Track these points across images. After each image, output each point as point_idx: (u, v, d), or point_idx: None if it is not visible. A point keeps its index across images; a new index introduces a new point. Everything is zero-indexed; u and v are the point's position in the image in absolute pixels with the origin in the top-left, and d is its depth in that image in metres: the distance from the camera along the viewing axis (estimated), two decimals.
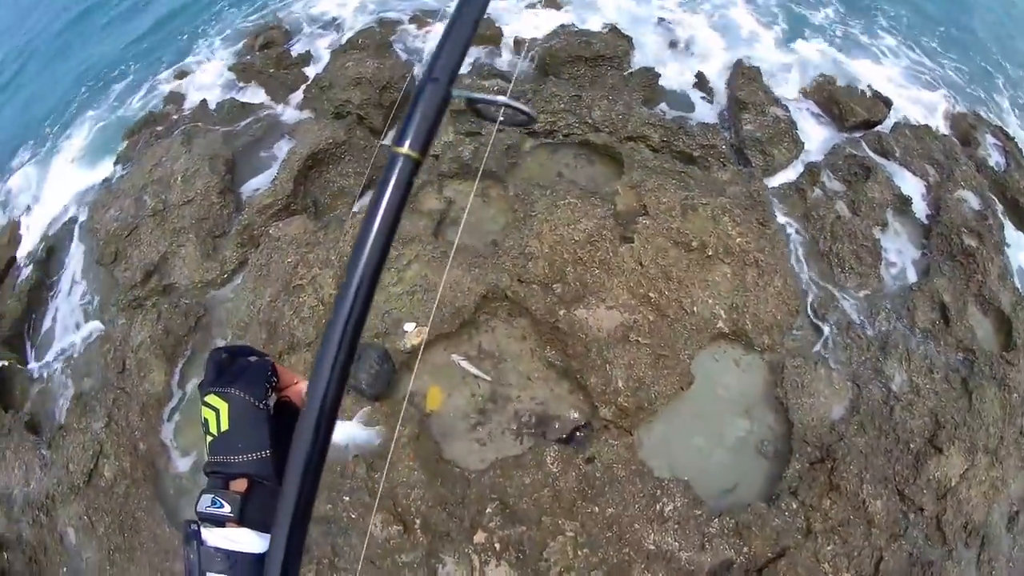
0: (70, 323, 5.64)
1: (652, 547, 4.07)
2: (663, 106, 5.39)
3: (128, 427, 4.67)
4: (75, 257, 5.95)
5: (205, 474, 1.02)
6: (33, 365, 5.52)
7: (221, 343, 4.80)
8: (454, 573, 4.05)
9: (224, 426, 1.01)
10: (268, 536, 0.99)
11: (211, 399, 1.01)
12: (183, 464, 4.70)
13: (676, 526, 4.12)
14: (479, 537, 4.06)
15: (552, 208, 4.42)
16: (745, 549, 4.11)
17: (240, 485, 1.00)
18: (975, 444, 4.62)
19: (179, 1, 7.69)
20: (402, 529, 4.06)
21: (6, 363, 5.59)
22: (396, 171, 0.72)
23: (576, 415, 4.21)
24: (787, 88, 5.84)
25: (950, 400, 4.82)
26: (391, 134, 5.27)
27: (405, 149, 0.71)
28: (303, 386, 1.11)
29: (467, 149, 4.71)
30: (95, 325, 5.44)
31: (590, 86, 5.17)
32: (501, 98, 0.75)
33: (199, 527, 0.99)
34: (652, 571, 3.98)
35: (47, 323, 5.73)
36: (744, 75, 5.56)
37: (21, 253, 6.19)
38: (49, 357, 5.51)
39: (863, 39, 6.86)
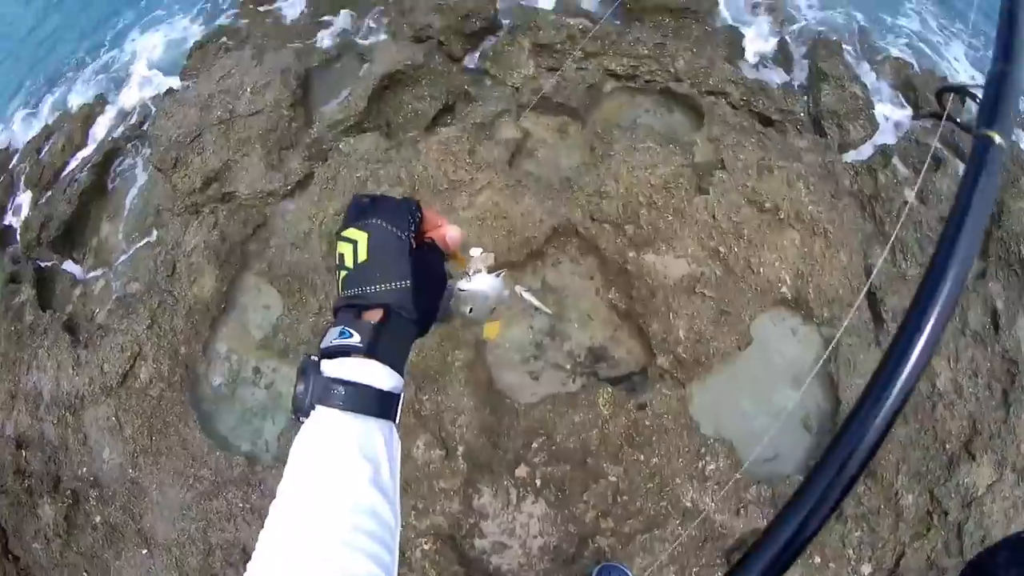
0: (121, 228, 5.62)
1: (689, 504, 4.06)
2: (745, 65, 5.32)
3: (171, 330, 4.63)
4: (134, 164, 5.94)
5: (333, 314, 0.99)
6: (79, 268, 5.51)
7: (275, 251, 4.77)
8: (489, 505, 4.04)
9: (363, 256, 0.96)
10: (398, 375, 0.95)
11: (349, 232, 0.98)
12: (224, 371, 4.68)
13: (716, 486, 4.11)
14: (521, 471, 4.06)
15: (631, 150, 4.37)
16: None
17: (375, 315, 0.95)
18: (1005, 459, 4.58)
19: None
20: (444, 454, 4.05)
21: (50, 264, 5.60)
22: (989, 161, 0.62)
23: (633, 360, 4.19)
24: (866, 66, 5.75)
25: (989, 409, 4.78)
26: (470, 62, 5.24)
27: (998, 137, 0.62)
28: (448, 230, 1.10)
29: (548, 83, 4.65)
30: (148, 230, 5.41)
31: (674, 36, 5.11)
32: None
33: (318, 359, 0.94)
34: (685, 528, 3.97)
35: (98, 227, 5.72)
36: (826, 47, 5.48)
37: (79, 156, 6.18)
38: (97, 260, 5.50)
39: (950, 29, 6.75)
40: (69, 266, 5.64)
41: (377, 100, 4.97)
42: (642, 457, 4.07)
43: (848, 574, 4.17)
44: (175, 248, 5.04)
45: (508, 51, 4.99)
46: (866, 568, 4.24)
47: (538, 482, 4.04)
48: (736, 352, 4.30)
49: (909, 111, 5.78)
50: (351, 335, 0.92)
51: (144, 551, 4.13)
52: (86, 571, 4.18)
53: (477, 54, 5.18)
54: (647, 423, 4.10)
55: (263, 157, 5.13)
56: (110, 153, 6.03)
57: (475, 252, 4.70)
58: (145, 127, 6.04)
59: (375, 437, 0.90)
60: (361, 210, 1.03)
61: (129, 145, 6.03)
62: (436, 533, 3.91)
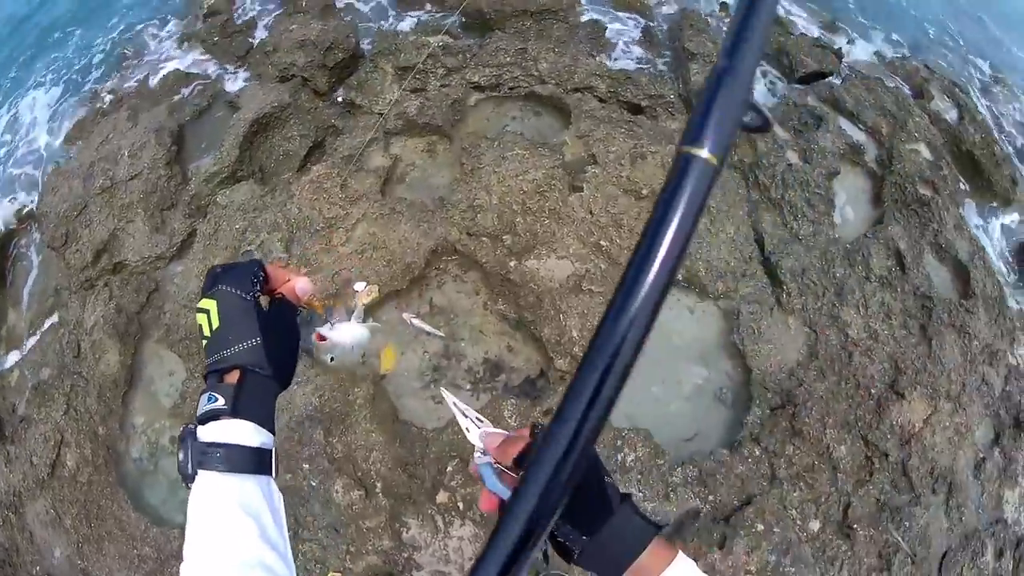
0: (27, 313, 5.52)
1: None
2: (610, 58, 5.36)
3: (87, 412, 4.59)
4: (27, 245, 5.82)
5: (204, 379, 1.04)
6: None
7: (168, 317, 4.71)
8: (419, 536, 4.01)
9: (215, 323, 1.01)
10: (266, 431, 1.01)
11: (202, 303, 1.03)
12: (142, 445, 4.63)
13: (639, 476, 4.11)
14: (441, 497, 4.03)
15: (500, 160, 4.37)
16: (711, 497, 4.12)
17: (233, 377, 1.00)
18: (937, 390, 4.65)
19: None
20: (364, 493, 4.02)
21: None
22: (692, 179, 0.51)
23: (531, 367, 4.19)
24: None
25: (909, 346, 4.85)
26: (336, 95, 5.21)
27: (705, 152, 0.51)
28: (296, 282, 1.12)
29: (412, 105, 4.64)
30: (50, 311, 5.33)
31: (536, 39, 5.13)
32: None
33: (194, 427, 0.98)
34: None
35: (4, 316, 5.60)
36: (692, 26, 5.53)
37: None
38: (8, 350, 5.39)
39: None
40: None
41: (249, 147, 4.92)
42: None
43: (797, 534, 4.17)
44: (77, 328, 4.97)
45: (372, 78, 4.98)
46: (814, 524, 4.27)
47: (460, 505, 4.02)
48: None
49: (783, 76, 5.88)
50: (216, 399, 0.97)
51: None
52: None
53: (342, 86, 5.15)
54: None
55: (146, 221, 5.06)
56: (4, 237, 5.90)
57: (358, 286, 4.63)
58: (33, 205, 5.92)
59: (255, 493, 0.94)
60: (212, 280, 1.06)
61: (24, 225, 5.92)
62: (374, 573, 3.88)
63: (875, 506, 4.37)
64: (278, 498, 1.01)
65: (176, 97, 5.54)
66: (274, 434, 1.03)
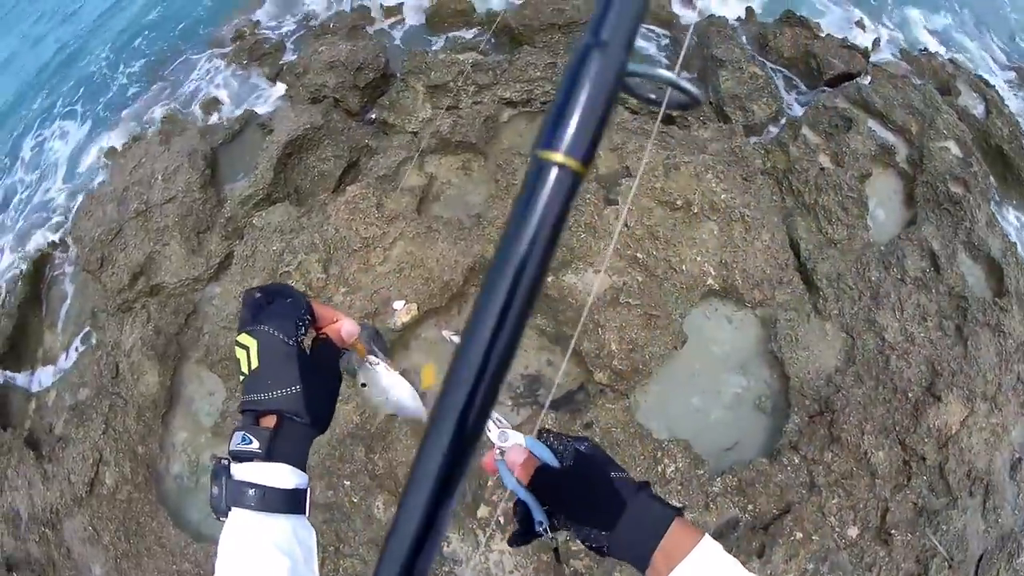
0: (62, 335, 5.63)
1: None
2: (640, 66, 5.36)
3: (126, 432, 4.66)
4: (62, 268, 5.93)
5: (240, 413, 1.05)
6: (29, 380, 5.51)
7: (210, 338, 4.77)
8: (460, 550, 4.04)
9: (255, 363, 1.00)
10: (301, 472, 1.03)
11: (242, 338, 1.02)
12: (183, 463, 4.70)
13: (679, 487, 4.10)
14: (482, 512, 4.05)
15: None
16: (750, 507, 4.11)
17: (269, 421, 1.00)
18: (973, 392, 4.60)
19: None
20: None
21: (1, 381, 5.59)
22: (547, 188, 0.44)
23: (571, 381, 4.20)
24: (763, 45, 5.82)
25: (945, 348, 4.81)
26: (368, 115, 5.26)
27: (560, 156, 0.44)
28: (343, 324, 1.11)
29: (445, 123, 4.68)
30: (87, 334, 5.43)
31: (565, 52, 5.14)
32: (666, 74, 0.51)
33: (229, 463, 1.00)
34: None
35: (40, 337, 5.72)
36: (719, 33, 5.53)
37: (8, 270, 6.16)
38: (45, 371, 5.51)
39: None
40: (20, 380, 5.64)
41: (283, 169, 4.99)
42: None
43: (835, 541, 4.16)
44: (115, 349, 5.05)
45: (403, 97, 5.02)
46: (852, 531, 4.24)
47: (501, 518, 4.03)
48: (673, 352, 4.32)
49: (810, 79, 5.86)
50: (251, 441, 0.98)
51: None
52: None
53: (374, 106, 5.20)
54: (596, 440, 4.10)
55: (183, 243, 5.14)
56: (39, 261, 6.02)
57: (397, 305, 4.67)
58: (69, 229, 6.04)
59: (287, 532, 0.97)
60: (253, 310, 1.06)
61: (58, 250, 6.04)
62: None
63: (913, 510, 4.34)
64: (310, 536, 1.03)
65: (209, 120, 5.62)
66: (306, 472, 1.05)
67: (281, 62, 5.78)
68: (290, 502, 0.98)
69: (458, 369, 0.46)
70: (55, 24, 8.17)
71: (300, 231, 4.60)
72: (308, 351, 1.06)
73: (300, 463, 1.02)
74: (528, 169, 0.46)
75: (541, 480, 1.06)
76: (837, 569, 4.06)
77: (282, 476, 0.98)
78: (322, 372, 1.07)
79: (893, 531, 4.20)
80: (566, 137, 0.45)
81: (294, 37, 5.95)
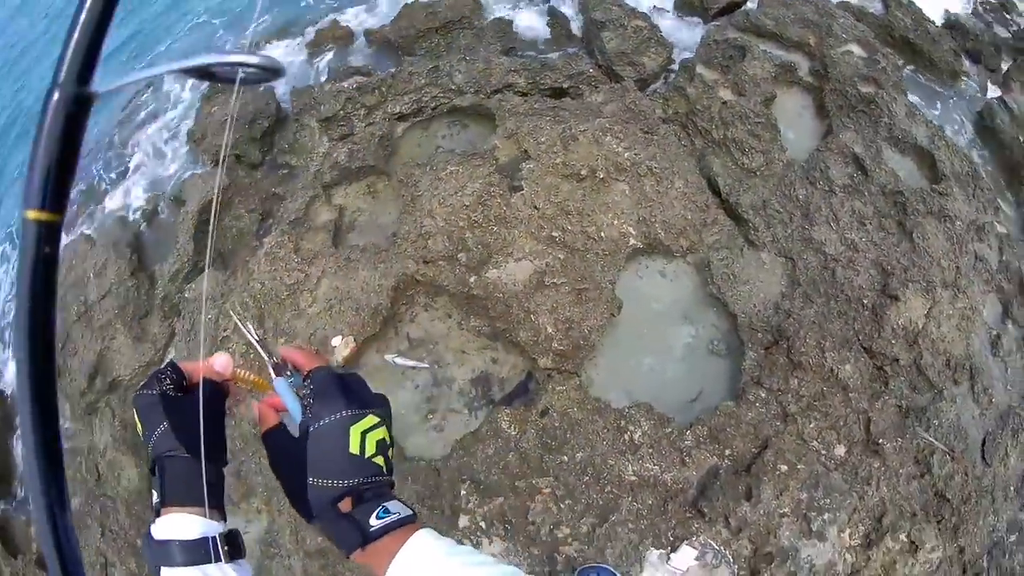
0: None
1: (633, 477, 4.05)
2: (523, 51, 5.38)
3: (121, 529, 4.71)
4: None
5: None
6: (23, 504, 5.56)
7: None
8: None
9: (139, 427, 1.06)
10: (208, 518, 1.02)
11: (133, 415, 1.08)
12: None
13: (650, 450, 4.10)
14: (463, 521, 4.07)
15: (436, 182, 4.41)
16: (727, 452, 4.11)
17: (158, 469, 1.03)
18: (931, 282, 4.59)
19: None
20: None
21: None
22: (26, 246, 0.49)
23: (518, 373, 4.23)
24: None
25: (891, 246, 4.80)
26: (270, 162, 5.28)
27: (31, 213, 0.48)
28: (214, 361, 1.13)
29: (342, 153, 4.70)
30: (63, 445, 5.47)
31: (446, 53, 5.16)
32: (236, 57, 0.52)
33: (151, 525, 1.01)
34: (641, 500, 3.96)
35: (15, 457, 5.76)
36: None
37: None
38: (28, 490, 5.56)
39: None
40: (12, 505, 5.69)
41: (202, 236, 5.02)
42: (566, 458, 4.08)
43: (823, 465, 4.14)
44: (91, 453, 5.10)
45: (300, 137, 5.05)
46: (839, 450, 4.23)
47: (483, 524, 4.06)
48: (612, 320, 4.33)
49: (697, 18, 5.85)
50: (153, 494, 1.03)
51: None
52: None
53: (275, 152, 5.23)
54: (556, 424, 4.13)
55: (127, 334, 5.17)
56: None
57: (335, 342, 4.70)
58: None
59: None
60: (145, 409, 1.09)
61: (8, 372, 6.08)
62: None
63: (897, 414, 4.32)
64: None
65: (123, 210, 5.66)
66: (223, 517, 1.05)
67: (181, 131, 5.80)
68: (201, 551, 0.97)
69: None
70: None
71: (229, 293, 4.64)
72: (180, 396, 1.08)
73: (199, 500, 1.00)
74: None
75: (271, 444, 1.08)
76: (832, 491, 4.03)
77: (184, 526, 0.98)
78: (193, 404, 1.05)
79: (881, 440, 4.18)
80: (33, 193, 0.48)
81: (186, 104, 5.97)
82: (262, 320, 4.56)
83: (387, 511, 1.00)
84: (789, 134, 5.26)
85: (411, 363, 4.24)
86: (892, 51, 6.02)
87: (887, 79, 5.66)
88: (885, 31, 6.29)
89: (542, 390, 4.15)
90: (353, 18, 5.70)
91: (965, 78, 6.12)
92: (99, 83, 0.50)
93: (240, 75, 0.55)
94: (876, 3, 6.48)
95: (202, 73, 0.54)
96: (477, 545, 4.08)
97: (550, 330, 4.15)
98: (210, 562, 0.98)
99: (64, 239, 6.14)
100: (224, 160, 4.93)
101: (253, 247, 4.66)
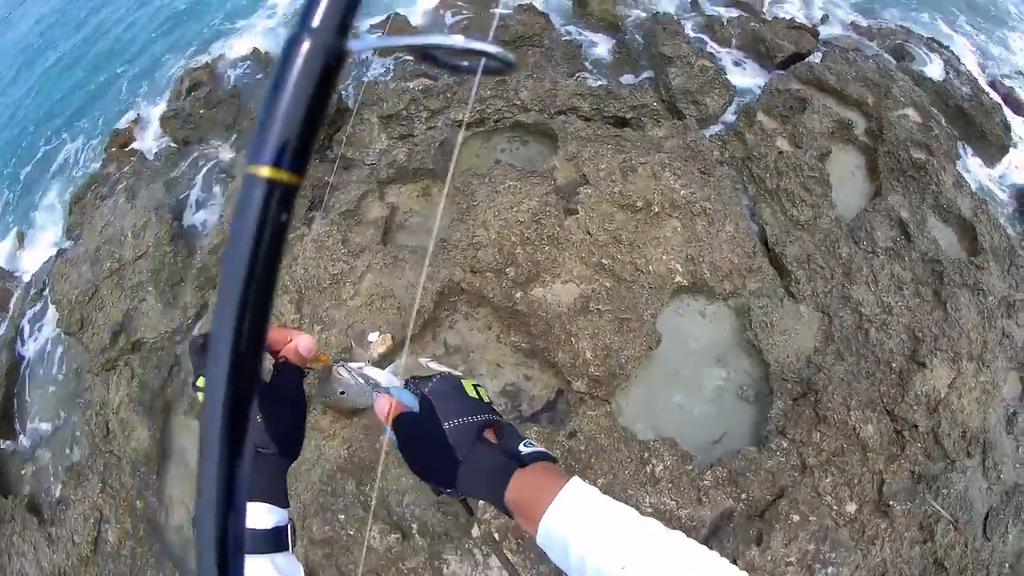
0: (50, 398, 5.66)
1: (650, 509, 4.07)
2: (589, 75, 5.41)
3: (123, 488, 4.70)
4: (44, 332, 5.97)
5: None
6: (23, 446, 5.54)
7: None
8: (460, 570, 4.06)
9: None
10: (279, 508, 0.99)
11: (200, 382, 0.96)
12: (183, 513, 4.73)
13: (670, 485, 4.12)
14: (476, 531, 4.08)
15: (493, 194, 4.43)
16: (743, 496, 4.12)
17: None
18: (958, 353, 4.63)
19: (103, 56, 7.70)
20: (400, 536, 4.07)
21: None
22: (255, 205, 0.40)
23: (549, 392, 4.23)
24: (709, 36, 5.86)
25: (924, 313, 4.83)
26: (327, 151, 5.28)
27: (265, 170, 0.39)
28: (299, 340, 1.06)
29: (401, 152, 4.72)
30: (74, 394, 5.46)
31: (517, 69, 5.18)
32: (458, 40, 0.41)
33: None
34: None
35: (29, 402, 5.75)
36: (665, 30, 5.58)
37: None
38: (37, 436, 5.53)
39: None
40: (11, 446, 5.68)
41: None
42: (587, 481, 4.09)
43: (833, 519, 4.17)
44: (103, 408, 5.08)
45: (359, 131, 5.06)
46: (850, 507, 4.26)
47: (496, 535, 4.06)
48: (649, 353, 4.35)
49: (761, 65, 5.90)
50: None
51: None
52: None
53: (332, 143, 5.23)
54: (581, 448, 4.14)
55: (158, 298, 5.17)
56: (19, 328, 6.07)
57: (372, 337, 4.69)
58: (45, 293, 6.08)
59: (270, 572, 0.94)
60: (202, 354, 0.98)
61: (35, 314, 6.08)
62: None
63: (910, 479, 4.35)
64: (296, 570, 1.01)
65: (172, 173, 5.66)
66: (288, 507, 1.03)
67: (237, 107, 5.81)
68: (272, 541, 0.96)
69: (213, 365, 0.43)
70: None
71: None
72: (269, 378, 1.02)
73: (277, 497, 1.00)
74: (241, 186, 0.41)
75: (400, 429, 1.06)
76: (839, 546, 4.06)
77: (261, 516, 0.96)
78: (284, 398, 1.04)
79: (892, 502, 4.21)
80: (269, 148, 0.40)
81: (246, 79, 5.99)
82: (299, 305, 4.56)
83: (531, 443, 0.98)
84: (840, 191, 5.29)
85: (445, 369, 4.22)
86: (946, 118, 6.08)
87: (939, 147, 5.72)
88: (941, 98, 6.35)
89: (572, 412, 4.16)
90: (424, 18, 5.73)
91: (1014, 152, 6.19)
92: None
93: (480, 64, 0.45)
94: (936, 69, 6.53)
95: (431, 55, 0.45)
96: (487, 556, 4.08)
97: (588, 355, 4.16)
98: (281, 551, 0.97)
99: (104, 193, 6.16)
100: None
101: (300, 233, 4.66)
